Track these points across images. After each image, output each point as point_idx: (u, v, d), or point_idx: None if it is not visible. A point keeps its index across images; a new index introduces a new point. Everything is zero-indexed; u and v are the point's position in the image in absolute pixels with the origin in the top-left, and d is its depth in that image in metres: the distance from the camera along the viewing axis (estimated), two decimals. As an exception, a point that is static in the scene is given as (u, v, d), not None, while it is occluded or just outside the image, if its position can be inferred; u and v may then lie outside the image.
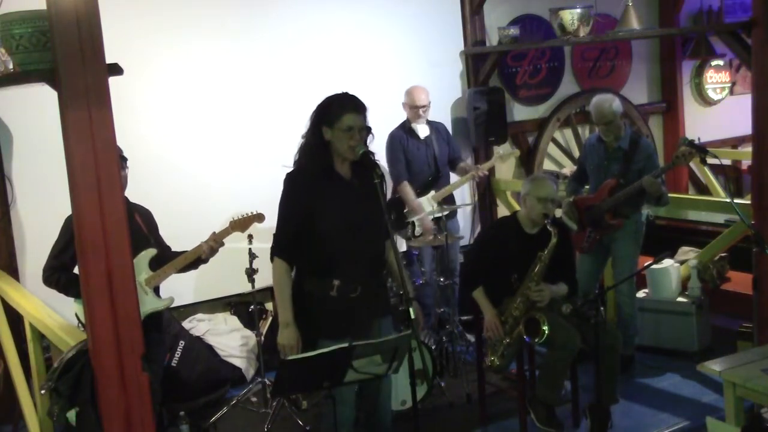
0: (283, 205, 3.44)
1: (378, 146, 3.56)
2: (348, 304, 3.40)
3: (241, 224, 4.16)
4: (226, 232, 4.11)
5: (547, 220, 4.23)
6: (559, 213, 5.13)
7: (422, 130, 5.66)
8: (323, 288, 3.39)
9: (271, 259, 3.45)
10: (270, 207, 5.70)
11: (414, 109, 5.61)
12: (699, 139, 7.34)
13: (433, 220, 5.41)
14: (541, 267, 4.21)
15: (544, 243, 4.25)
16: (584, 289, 4.97)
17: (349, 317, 3.40)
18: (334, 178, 3.39)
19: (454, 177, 5.83)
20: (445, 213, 5.31)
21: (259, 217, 4.22)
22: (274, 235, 3.46)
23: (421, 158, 5.65)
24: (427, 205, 5.57)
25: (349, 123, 3.29)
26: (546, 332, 4.05)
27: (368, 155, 3.32)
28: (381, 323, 3.53)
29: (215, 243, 4.04)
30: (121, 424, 3.03)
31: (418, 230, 5.30)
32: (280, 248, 3.42)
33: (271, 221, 5.72)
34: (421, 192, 5.63)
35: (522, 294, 4.23)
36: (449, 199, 5.75)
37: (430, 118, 5.73)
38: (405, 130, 5.67)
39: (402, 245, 5.75)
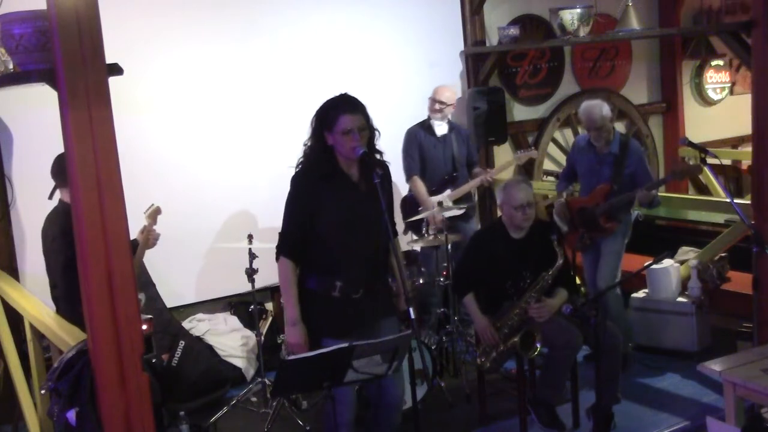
0: (288, 204, 3.46)
1: (384, 144, 3.55)
2: (351, 305, 3.41)
3: (151, 215, 4.29)
4: (149, 224, 4.29)
5: (553, 236, 4.21)
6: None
7: (440, 128, 5.71)
8: (326, 288, 3.40)
9: (277, 258, 3.46)
10: (269, 206, 5.73)
11: (432, 102, 5.70)
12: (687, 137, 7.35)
13: (447, 218, 5.41)
14: (543, 285, 4.21)
15: (532, 247, 4.26)
16: (592, 289, 5.02)
17: (352, 318, 3.41)
18: (340, 179, 3.39)
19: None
20: (461, 211, 5.35)
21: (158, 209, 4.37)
22: (280, 234, 3.48)
23: (438, 156, 5.68)
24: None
25: (346, 125, 3.28)
26: (538, 349, 4.07)
27: (367, 156, 3.32)
28: (384, 324, 3.52)
29: (149, 227, 4.27)
30: (121, 424, 3.03)
31: (432, 229, 5.29)
32: (285, 247, 3.44)
33: (269, 221, 5.78)
34: (437, 190, 5.64)
35: (521, 306, 4.22)
36: (467, 200, 5.77)
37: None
38: (423, 127, 5.73)
39: (404, 244, 5.75)
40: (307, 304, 3.44)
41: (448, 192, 5.66)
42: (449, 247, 5.20)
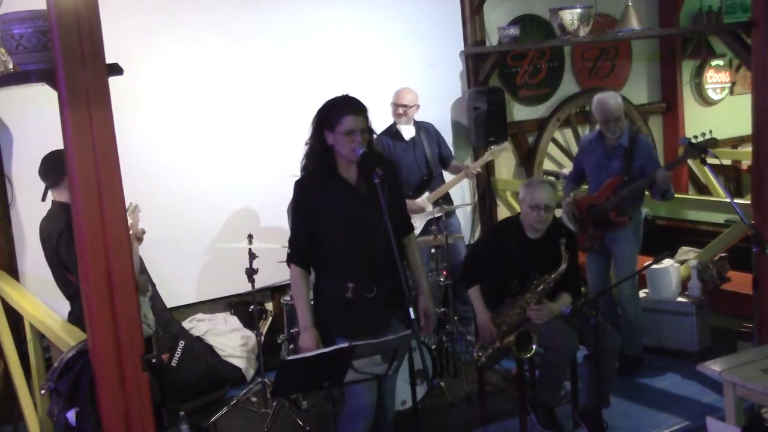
0: (293, 212, 3.50)
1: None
2: (365, 305, 3.41)
3: (131, 213, 4.16)
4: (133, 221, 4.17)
5: (561, 240, 4.15)
6: (558, 213, 5.13)
7: (407, 132, 5.63)
8: (339, 290, 3.41)
9: (288, 266, 3.49)
10: (270, 206, 5.75)
11: (395, 107, 5.59)
12: (710, 132, 7.32)
13: (430, 220, 5.40)
14: (545, 288, 4.20)
15: (545, 249, 4.23)
16: (596, 290, 5.01)
17: (366, 317, 3.41)
18: (339, 181, 3.40)
19: (449, 176, 5.82)
20: (440, 214, 5.30)
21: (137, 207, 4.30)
22: (289, 241, 3.50)
23: (410, 160, 5.62)
24: (423, 206, 5.57)
25: (348, 126, 3.29)
26: (534, 350, 4.06)
27: (368, 156, 3.33)
28: (392, 322, 3.52)
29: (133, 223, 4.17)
30: (121, 424, 3.03)
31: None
32: (295, 255, 3.46)
33: (269, 221, 5.77)
34: (415, 194, 5.60)
35: (521, 306, 4.21)
36: (447, 199, 5.74)
37: (417, 119, 5.69)
38: (390, 133, 5.63)
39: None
40: (322, 305, 3.47)
41: (426, 195, 5.62)
42: (447, 242, 5.21)
